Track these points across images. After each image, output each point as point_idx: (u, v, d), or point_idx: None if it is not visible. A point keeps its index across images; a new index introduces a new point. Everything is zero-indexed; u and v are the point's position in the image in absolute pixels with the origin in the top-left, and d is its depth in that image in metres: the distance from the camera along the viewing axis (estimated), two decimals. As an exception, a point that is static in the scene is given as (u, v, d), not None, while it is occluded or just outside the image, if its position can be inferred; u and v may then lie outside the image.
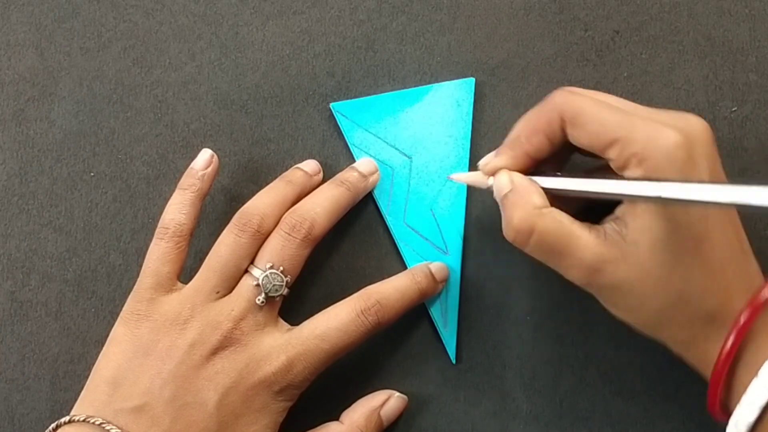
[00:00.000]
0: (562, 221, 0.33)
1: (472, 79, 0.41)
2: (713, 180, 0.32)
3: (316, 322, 0.36)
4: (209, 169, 0.38)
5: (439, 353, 0.40)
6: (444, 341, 0.40)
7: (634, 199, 0.31)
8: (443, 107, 0.41)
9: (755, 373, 0.30)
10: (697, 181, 0.30)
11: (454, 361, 0.40)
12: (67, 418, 0.34)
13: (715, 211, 0.32)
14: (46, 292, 0.41)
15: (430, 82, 0.42)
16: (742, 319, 0.31)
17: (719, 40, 0.42)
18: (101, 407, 0.34)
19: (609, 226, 0.32)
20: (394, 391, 0.39)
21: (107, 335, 0.36)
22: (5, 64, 0.42)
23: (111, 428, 0.33)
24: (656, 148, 0.30)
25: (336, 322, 0.36)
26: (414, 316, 0.40)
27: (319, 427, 0.38)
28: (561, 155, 0.36)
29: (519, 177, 0.34)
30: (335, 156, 0.41)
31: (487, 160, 0.36)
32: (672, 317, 0.32)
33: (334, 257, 0.41)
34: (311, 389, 0.37)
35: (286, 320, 0.37)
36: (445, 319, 0.40)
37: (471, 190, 0.41)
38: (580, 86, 0.41)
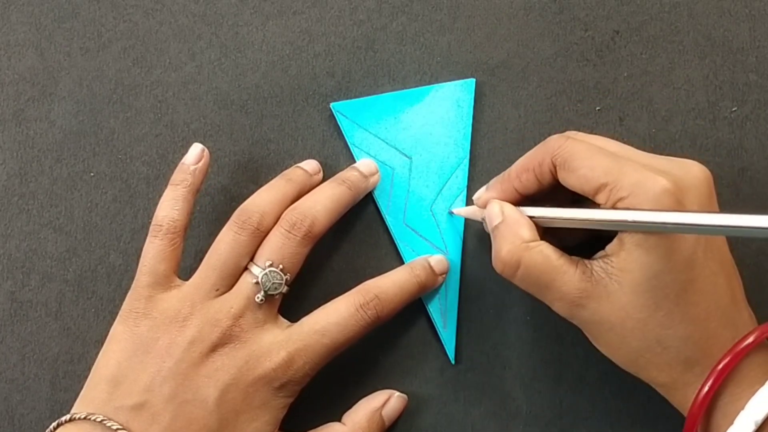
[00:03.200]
0: (549, 256, 0.33)
1: (473, 80, 0.41)
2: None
3: (316, 317, 0.36)
4: (200, 163, 0.38)
5: (438, 353, 0.40)
6: (443, 341, 0.40)
7: (609, 226, 0.32)
8: (443, 108, 0.41)
9: (731, 422, 0.31)
10: (674, 210, 0.30)
11: (453, 362, 0.40)
12: (67, 417, 0.34)
13: (705, 259, 0.32)
14: (46, 292, 0.41)
15: (430, 83, 0.42)
16: (720, 366, 0.31)
17: (719, 40, 0.42)
18: (101, 405, 0.34)
19: (597, 263, 0.33)
20: (394, 391, 0.39)
21: (107, 335, 0.36)
22: (5, 64, 0.42)
23: (112, 425, 0.33)
24: (643, 193, 0.31)
25: (335, 317, 0.36)
26: (414, 317, 0.40)
27: (320, 428, 0.38)
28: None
29: (510, 208, 0.35)
30: (335, 156, 0.41)
31: (479, 194, 0.37)
32: (650, 360, 0.33)
33: (334, 257, 0.41)
34: (312, 390, 0.37)
35: (286, 319, 0.37)
36: (445, 320, 0.40)
37: (471, 188, 0.41)
38: (580, 86, 0.41)
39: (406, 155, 0.41)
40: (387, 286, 0.37)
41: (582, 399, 0.39)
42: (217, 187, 0.41)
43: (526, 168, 0.35)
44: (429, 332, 0.40)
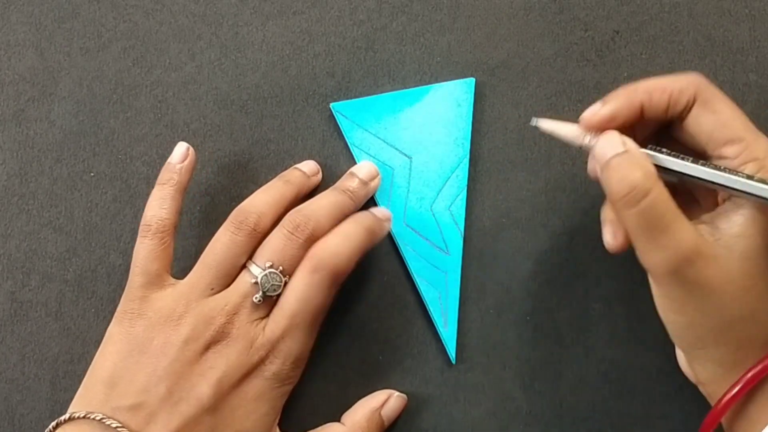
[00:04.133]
0: (671, 199, 0.31)
1: (472, 80, 0.41)
2: None
3: (281, 302, 0.36)
4: (186, 161, 0.38)
5: (438, 353, 0.40)
6: (444, 341, 0.40)
7: (749, 197, 0.31)
8: (443, 107, 0.41)
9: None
10: None
11: (454, 362, 0.40)
12: (66, 416, 0.34)
13: None
14: (46, 292, 0.41)
15: (430, 82, 0.42)
16: (750, 374, 0.31)
17: (719, 40, 0.42)
18: (98, 406, 0.34)
19: (703, 224, 0.32)
20: (393, 391, 0.39)
21: (105, 333, 0.36)
22: (5, 64, 0.42)
23: (111, 423, 0.33)
24: None
25: (294, 294, 0.36)
26: (414, 317, 0.40)
27: (320, 428, 0.38)
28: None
29: (633, 143, 0.32)
30: (335, 156, 0.41)
31: (594, 110, 0.33)
32: (733, 334, 0.32)
33: (334, 257, 0.41)
34: (312, 390, 0.37)
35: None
36: (445, 319, 0.40)
37: (471, 188, 0.41)
38: (580, 86, 0.41)
39: (405, 155, 0.41)
40: (332, 241, 0.36)
41: (582, 399, 0.39)
42: (217, 187, 0.41)
43: (663, 88, 0.33)
44: (429, 332, 0.40)
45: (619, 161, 0.31)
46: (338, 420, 0.38)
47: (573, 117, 0.41)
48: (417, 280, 0.40)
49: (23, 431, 0.40)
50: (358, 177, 0.40)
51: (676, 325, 0.33)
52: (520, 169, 0.41)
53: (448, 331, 0.40)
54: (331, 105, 0.41)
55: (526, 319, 0.40)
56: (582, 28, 0.42)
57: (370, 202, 0.41)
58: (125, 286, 0.37)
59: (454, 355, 0.40)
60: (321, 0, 0.43)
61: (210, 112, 0.42)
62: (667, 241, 0.31)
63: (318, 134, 0.42)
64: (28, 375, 0.40)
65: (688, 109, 0.33)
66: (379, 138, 0.41)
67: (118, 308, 0.36)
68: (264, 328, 0.36)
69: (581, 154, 0.41)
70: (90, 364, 0.36)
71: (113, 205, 0.41)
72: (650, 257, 0.31)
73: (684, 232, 0.31)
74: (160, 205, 0.37)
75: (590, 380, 0.39)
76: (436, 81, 0.42)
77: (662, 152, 0.32)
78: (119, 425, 0.33)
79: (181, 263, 0.39)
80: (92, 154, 0.42)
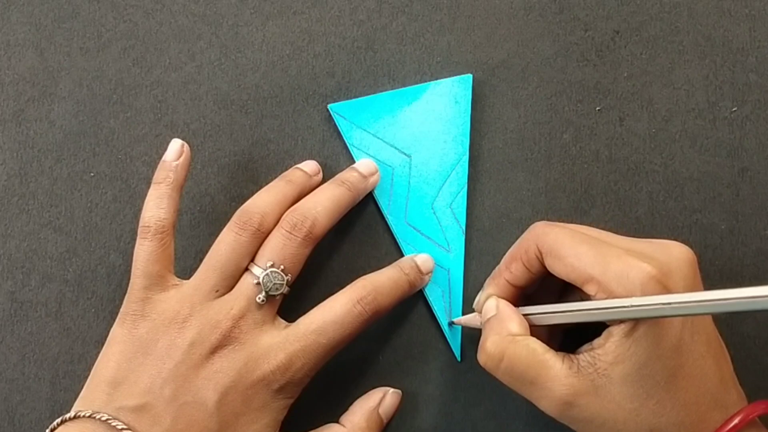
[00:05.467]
0: (535, 350, 0.33)
1: (470, 76, 0.41)
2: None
3: (312, 317, 0.36)
4: (181, 158, 0.38)
5: (439, 353, 0.40)
6: (448, 339, 0.40)
7: (603, 316, 0.31)
8: (441, 105, 0.41)
9: None
10: (664, 293, 0.30)
11: (459, 359, 0.40)
12: (71, 414, 0.34)
13: (692, 342, 0.32)
14: (46, 292, 0.41)
15: (429, 82, 0.42)
16: None
17: (719, 40, 0.42)
18: (102, 406, 0.34)
19: (583, 357, 0.32)
20: (388, 388, 0.39)
21: (107, 335, 0.36)
22: (5, 64, 0.42)
23: (117, 424, 0.33)
24: (629, 283, 0.31)
25: (331, 315, 0.36)
26: (414, 316, 0.40)
27: (320, 429, 0.38)
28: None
29: (504, 304, 0.35)
30: (335, 156, 0.41)
31: (477, 299, 0.37)
32: None
33: (334, 257, 0.41)
34: (311, 390, 0.37)
35: (285, 320, 0.37)
36: (449, 317, 0.40)
37: (471, 188, 0.41)
38: (580, 86, 0.41)
39: (405, 154, 0.41)
40: (381, 281, 0.37)
41: (582, 399, 0.39)
42: (217, 187, 0.41)
43: (514, 258, 0.35)
44: (429, 332, 0.40)
45: (485, 327, 0.35)
46: (337, 420, 0.38)
47: (573, 117, 0.41)
48: (418, 279, 0.40)
49: (23, 431, 0.39)
50: (357, 170, 0.40)
51: None
52: (520, 169, 0.41)
53: (452, 329, 0.40)
54: (329, 106, 0.41)
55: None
56: (582, 28, 0.42)
57: (371, 203, 0.41)
58: (125, 286, 0.37)
59: (459, 353, 0.40)
60: (321, 0, 0.43)
61: (210, 112, 0.42)
62: (539, 393, 0.33)
63: (318, 134, 0.42)
64: (28, 375, 0.40)
65: (541, 263, 0.34)
66: (377, 137, 0.41)
67: (121, 309, 0.36)
68: (281, 333, 0.36)
69: (581, 153, 0.41)
70: (90, 364, 0.36)
71: (113, 205, 0.41)
72: (537, 405, 0.33)
73: (551, 379, 0.32)
74: (157, 205, 0.37)
75: (590, 380, 0.39)
76: (436, 80, 0.42)
77: (539, 305, 0.34)
78: (124, 427, 0.33)
79: (181, 263, 0.39)
80: (92, 154, 0.42)
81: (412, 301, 0.40)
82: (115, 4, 0.43)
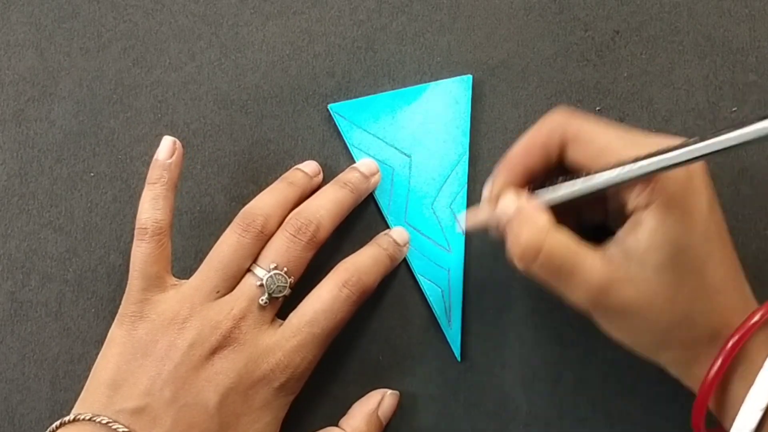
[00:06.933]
0: (569, 241, 0.32)
1: (469, 76, 0.41)
2: (711, 196, 0.32)
3: (303, 310, 0.36)
4: (174, 156, 0.37)
5: (438, 353, 0.40)
6: (449, 339, 0.40)
7: (636, 173, 0.31)
8: (441, 105, 0.41)
9: (751, 384, 0.31)
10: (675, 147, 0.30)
11: (459, 359, 0.40)
12: (71, 417, 0.34)
13: (717, 232, 0.32)
14: (46, 292, 0.41)
15: (429, 82, 0.42)
16: (729, 344, 0.31)
17: (719, 40, 0.42)
18: (102, 408, 0.34)
19: (612, 248, 0.32)
20: (386, 390, 0.39)
21: (107, 336, 0.36)
22: (5, 64, 0.42)
23: (118, 427, 0.33)
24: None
25: (320, 303, 0.36)
26: (413, 316, 0.40)
27: (320, 431, 0.38)
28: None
29: (525, 198, 0.34)
30: (335, 156, 0.41)
31: (488, 187, 0.35)
32: (677, 337, 0.32)
33: (334, 257, 0.41)
34: (312, 391, 0.37)
35: (282, 320, 0.37)
36: (449, 317, 0.40)
37: (471, 188, 0.41)
38: (580, 86, 0.41)
39: (405, 154, 0.41)
40: (362, 260, 0.38)
41: (582, 399, 0.39)
42: (217, 187, 0.41)
43: (534, 144, 0.34)
44: (429, 332, 0.40)
45: (512, 223, 0.33)
46: (336, 423, 0.38)
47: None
48: (420, 278, 0.40)
49: (23, 431, 0.39)
50: (359, 171, 0.40)
51: (622, 342, 0.34)
52: (520, 169, 0.41)
53: (452, 328, 0.40)
54: (329, 106, 0.41)
55: (527, 319, 0.40)
56: (582, 28, 0.42)
57: (371, 203, 0.41)
58: (125, 286, 0.37)
59: (459, 353, 0.40)
60: (321, 0, 0.43)
61: (210, 112, 0.42)
62: (576, 283, 0.32)
63: (318, 134, 0.42)
64: (28, 375, 0.40)
65: (563, 149, 0.33)
66: (377, 138, 0.41)
67: (120, 310, 0.36)
68: (276, 332, 0.36)
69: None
70: (90, 364, 0.36)
71: (113, 205, 0.41)
72: (569, 298, 0.33)
73: (587, 270, 0.32)
74: (153, 206, 0.37)
75: (590, 380, 0.39)
76: (436, 80, 0.42)
77: (559, 180, 0.33)
78: (125, 429, 0.33)
79: (181, 263, 0.39)
80: (92, 154, 0.42)
81: (412, 301, 0.40)
82: (115, 4, 0.43)
